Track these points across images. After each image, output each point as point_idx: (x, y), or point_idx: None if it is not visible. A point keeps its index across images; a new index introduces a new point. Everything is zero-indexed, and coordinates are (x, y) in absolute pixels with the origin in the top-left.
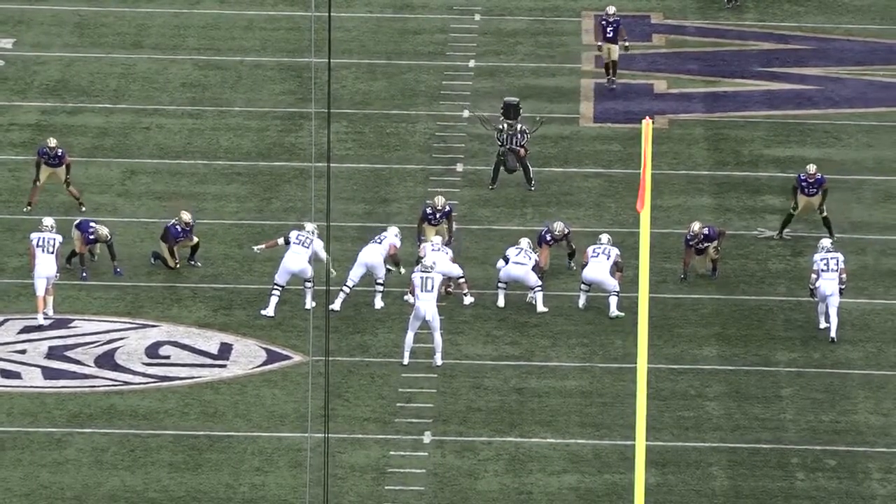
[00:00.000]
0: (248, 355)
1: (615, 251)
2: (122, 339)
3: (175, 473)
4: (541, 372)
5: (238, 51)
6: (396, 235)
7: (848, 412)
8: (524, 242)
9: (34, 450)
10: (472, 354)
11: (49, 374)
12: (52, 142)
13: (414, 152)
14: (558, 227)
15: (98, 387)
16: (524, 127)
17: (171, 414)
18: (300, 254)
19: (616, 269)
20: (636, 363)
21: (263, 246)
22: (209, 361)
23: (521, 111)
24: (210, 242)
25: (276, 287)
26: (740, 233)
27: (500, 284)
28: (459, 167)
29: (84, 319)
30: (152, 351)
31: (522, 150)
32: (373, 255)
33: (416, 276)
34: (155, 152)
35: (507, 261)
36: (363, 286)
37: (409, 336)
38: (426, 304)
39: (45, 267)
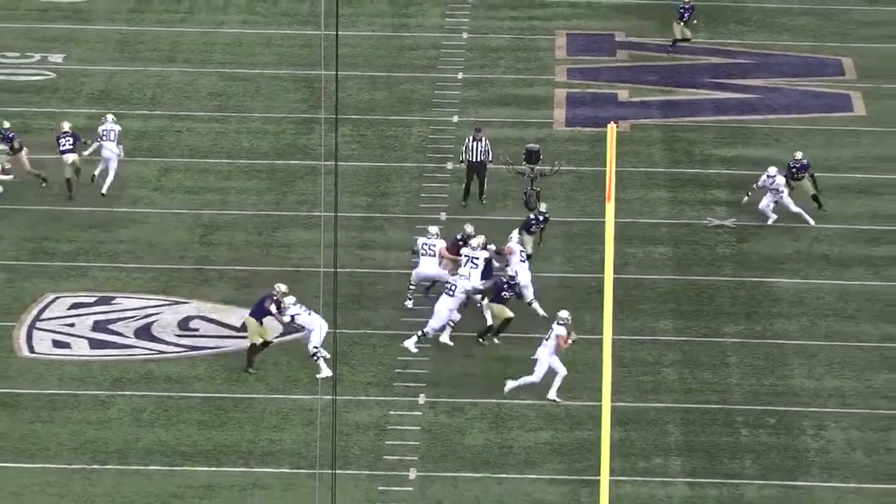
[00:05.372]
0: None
1: None
2: (157, 314)
3: (203, 430)
4: (521, 342)
5: (258, 64)
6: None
7: (785, 377)
8: (514, 238)
9: (81, 410)
10: (462, 327)
11: (94, 344)
12: (6, 123)
13: (410, 152)
14: (469, 230)
15: (137, 355)
16: (487, 141)
17: (200, 379)
18: (315, 315)
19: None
20: (602, 335)
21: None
22: (233, 334)
23: (542, 155)
24: (234, 230)
25: (317, 350)
26: (693, 222)
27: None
28: (450, 165)
29: (124, 297)
30: (184, 324)
31: (488, 164)
32: (430, 267)
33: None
34: (186, 152)
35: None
36: (369, 268)
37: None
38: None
39: (69, 157)
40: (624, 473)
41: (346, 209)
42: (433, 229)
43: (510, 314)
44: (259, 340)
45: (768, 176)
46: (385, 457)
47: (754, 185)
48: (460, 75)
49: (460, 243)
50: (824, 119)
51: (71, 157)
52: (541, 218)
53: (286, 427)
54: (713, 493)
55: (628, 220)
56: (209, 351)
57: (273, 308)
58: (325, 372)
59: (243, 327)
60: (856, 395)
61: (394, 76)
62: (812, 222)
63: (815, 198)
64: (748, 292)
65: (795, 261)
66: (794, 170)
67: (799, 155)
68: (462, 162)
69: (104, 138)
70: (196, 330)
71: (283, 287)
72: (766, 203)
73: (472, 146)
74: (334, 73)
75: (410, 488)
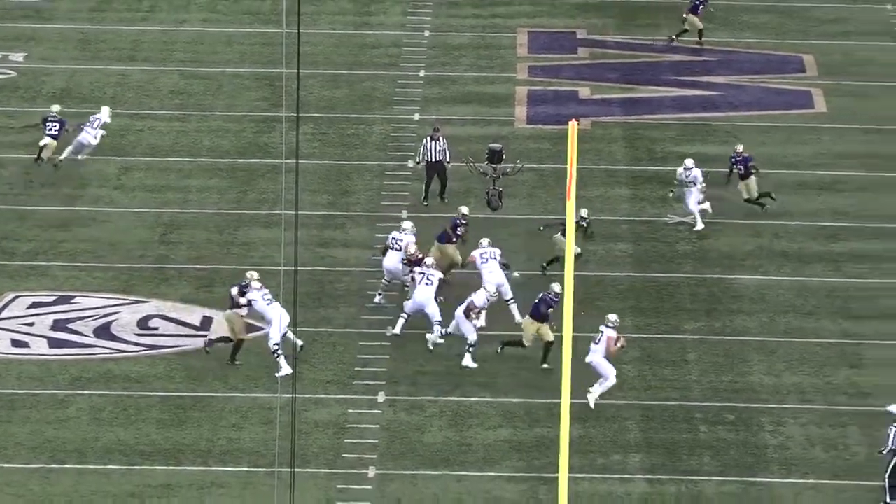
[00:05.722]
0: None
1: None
2: (116, 313)
3: (162, 429)
4: (481, 340)
5: (219, 63)
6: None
7: (745, 374)
8: (485, 242)
9: (40, 409)
10: (421, 325)
11: (53, 343)
12: None
13: (371, 150)
14: (465, 211)
15: (96, 354)
16: (445, 140)
17: (159, 378)
18: (277, 309)
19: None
20: (563, 332)
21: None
22: (193, 332)
23: (504, 155)
24: (195, 229)
25: (277, 346)
26: (653, 219)
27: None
28: (410, 163)
29: (84, 296)
30: (143, 323)
31: (447, 163)
32: (392, 261)
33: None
34: (147, 151)
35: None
36: (329, 266)
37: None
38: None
39: (48, 139)
40: (583, 470)
41: (307, 207)
42: (407, 224)
43: (551, 338)
44: (234, 336)
45: (685, 168)
46: (344, 455)
47: (675, 181)
48: (422, 73)
49: (460, 222)
50: (785, 116)
51: (45, 141)
52: (584, 224)
53: (245, 426)
54: (672, 489)
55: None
56: (169, 350)
57: (234, 291)
58: (285, 370)
59: (203, 325)
60: (815, 392)
61: (355, 74)
62: (701, 226)
63: (762, 196)
64: (708, 289)
65: (755, 257)
66: (734, 162)
67: (740, 148)
68: (419, 163)
69: (90, 123)
70: (156, 329)
71: (255, 274)
72: (692, 200)
73: (430, 146)
74: (296, 71)
75: (369, 486)
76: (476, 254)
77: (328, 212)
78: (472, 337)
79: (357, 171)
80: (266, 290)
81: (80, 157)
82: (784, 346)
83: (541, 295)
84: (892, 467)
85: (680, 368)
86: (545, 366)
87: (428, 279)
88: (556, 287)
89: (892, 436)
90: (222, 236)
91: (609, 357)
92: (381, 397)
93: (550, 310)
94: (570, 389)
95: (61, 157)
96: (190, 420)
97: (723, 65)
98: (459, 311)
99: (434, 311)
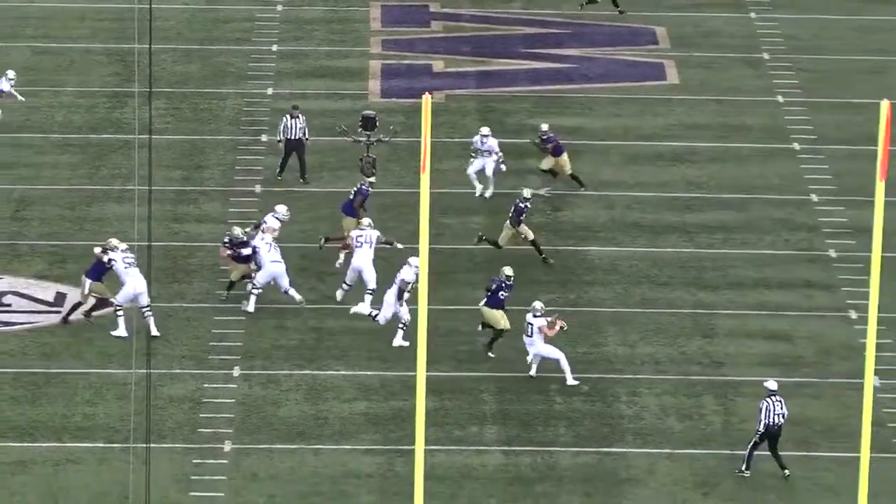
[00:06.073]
0: None
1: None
2: None
3: (16, 406)
4: (335, 314)
5: (71, 38)
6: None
7: (599, 344)
8: (365, 221)
9: None
10: (277, 300)
11: None
12: None
13: (224, 125)
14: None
15: None
16: (304, 119)
17: (12, 354)
18: (136, 276)
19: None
20: (418, 305)
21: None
22: (46, 308)
23: (378, 122)
24: (47, 205)
25: (119, 308)
26: (508, 191)
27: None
28: (264, 137)
29: None
30: None
31: (307, 141)
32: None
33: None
34: None
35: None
36: (183, 241)
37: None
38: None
39: None
40: (439, 442)
41: (160, 182)
42: (281, 209)
43: (506, 325)
44: (93, 300)
45: (482, 136)
46: (200, 430)
47: (472, 151)
48: (275, 48)
49: (368, 191)
50: (638, 88)
51: None
52: (530, 206)
53: (100, 402)
54: (527, 460)
55: (443, 191)
56: (22, 326)
57: (97, 250)
58: (121, 331)
59: (56, 301)
60: (669, 362)
61: (207, 49)
62: (489, 193)
63: (574, 177)
64: (562, 261)
65: (609, 229)
66: (541, 140)
67: (545, 127)
68: (280, 141)
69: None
70: (8, 305)
71: (114, 241)
72: (490, 169)
73: (290, 124)
74: (148, 46)
75: (225, 461)
76: (353, 234)
77: (181, 187)
78: (406, 317)
79: (210, 146)
80: (129, 254)
81: None
82: (638, 316)
83: (492, 281)
84: (756, 439)
85: None
86: (490, 354)
87: (276, 248)
88: (507, 270)
89: (763, 409)
90: (75, 212)
91: (550, 341)
92: (236, 372)
93: (505, 294)
94: (427, 362)
95: None
96: (44, 396)
97: (575, 37)
98: (389, 294)
99: (284, 283)
